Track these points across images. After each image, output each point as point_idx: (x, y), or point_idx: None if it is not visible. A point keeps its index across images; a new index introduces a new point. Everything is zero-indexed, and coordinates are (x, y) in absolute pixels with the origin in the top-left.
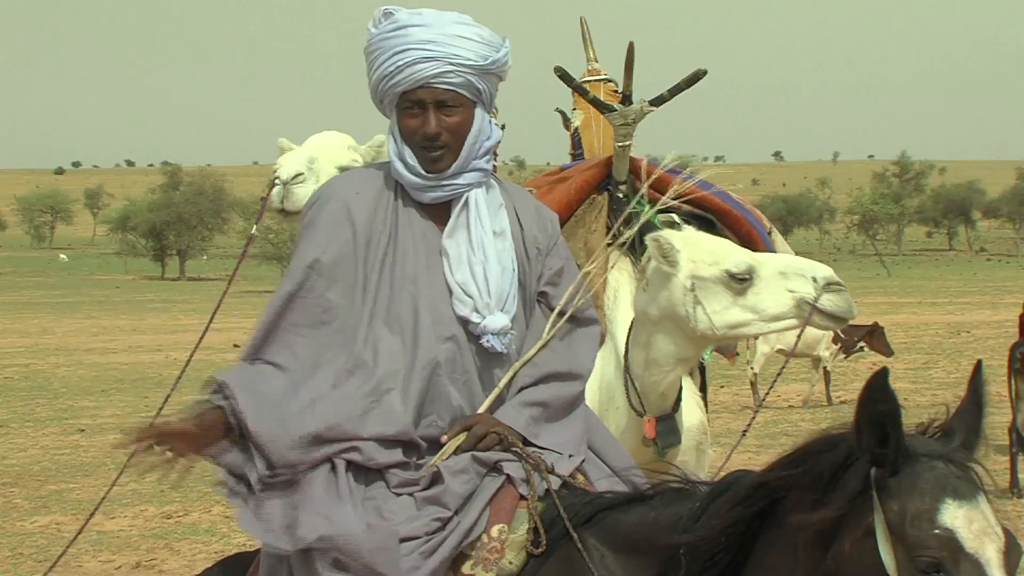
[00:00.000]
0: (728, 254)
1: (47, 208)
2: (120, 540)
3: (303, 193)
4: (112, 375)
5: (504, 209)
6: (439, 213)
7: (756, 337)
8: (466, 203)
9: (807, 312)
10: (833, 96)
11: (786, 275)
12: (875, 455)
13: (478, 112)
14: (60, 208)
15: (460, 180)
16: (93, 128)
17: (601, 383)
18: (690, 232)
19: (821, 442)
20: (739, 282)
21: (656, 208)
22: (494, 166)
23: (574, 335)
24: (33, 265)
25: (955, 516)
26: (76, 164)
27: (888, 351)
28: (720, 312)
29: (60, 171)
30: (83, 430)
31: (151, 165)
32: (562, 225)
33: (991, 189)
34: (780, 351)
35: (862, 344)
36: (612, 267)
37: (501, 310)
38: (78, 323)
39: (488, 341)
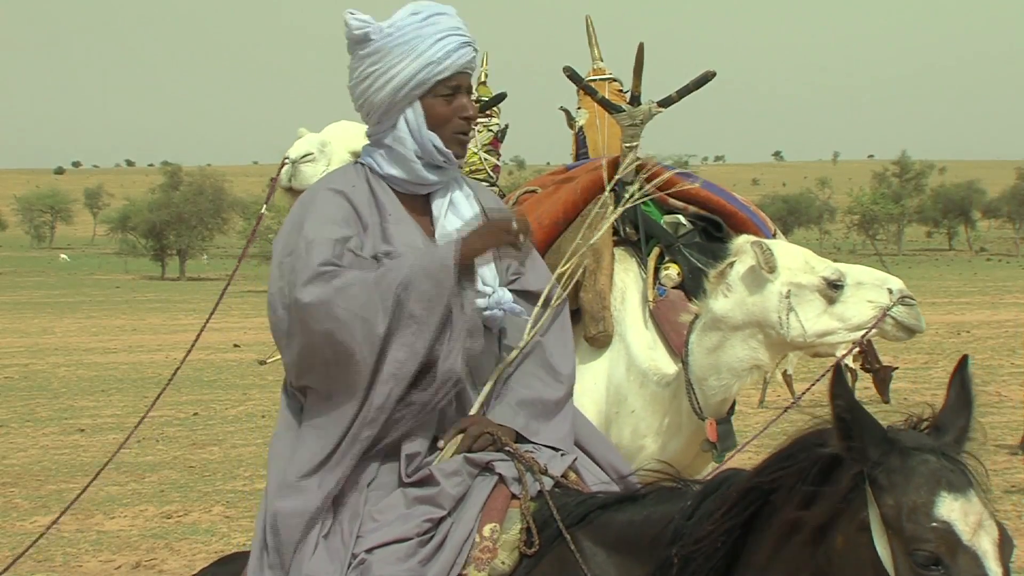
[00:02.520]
0: (819, 261)
1: (47, 208)
2: (120, 540)
3: (311, 172)
4: (112, 375)
5: (472, 199)
6: (417, 207)
7: (833, 349)
8: (448, 191)
9: (880, 320)
10: (833, 96)
11: (864, 284)
12: (851, 450)
13: None
14: (60, 208)
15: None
16: (93, 128)
17: (609, 384)
18: (771, 240)
19: (810, 438)
20: (834, 289)
21: (641, 192)
22: (496, 166)
23: (550, 328)
24: (33, 265)
25: (951, 509)
26: (76, 164)
27: (883, 397)
28: (812, 320)
29: (60, 171)
30: (83, 430)
31: (151, 165)
32: (568, 225)
33: (991, 189)
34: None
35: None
36: (591, 238)
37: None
38: (78, 323)
39: (509, 304)
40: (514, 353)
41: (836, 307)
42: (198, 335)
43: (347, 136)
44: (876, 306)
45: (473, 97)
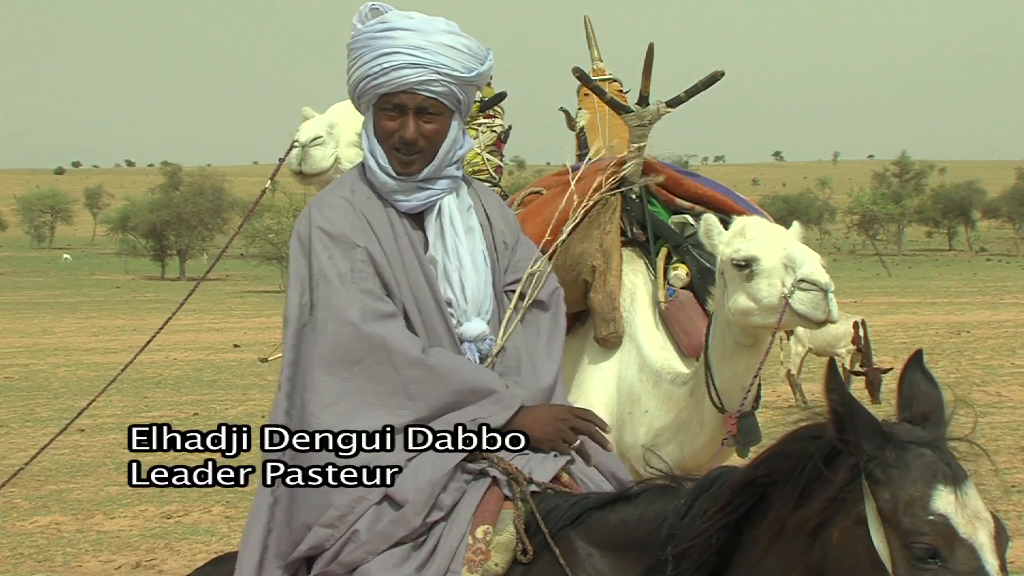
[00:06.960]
0: (747, 243)
1: (47, 208)
2: (120, 540)
3: (321, 155)
4: (112, 375)
5: (473, 210)
6: (415, 218)
7: (766, 329)
8: (439, 211)
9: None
10: (833, 96)
11: (787, 267)
12: (846, 443)
13: (455, 122)
14: (60, 208)
15: (435, 187)
16: (93, 128)
17: (620, 385)
18: (762, 223)
19: (805, 433)
20: (739, 269)
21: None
22: (499, 167)
23: (540, 320)
24: (33, 265)
25: (948, 502)
26: (76, 164)
27: (872, 398)
28: (734, 297)
29: (60, 171)
30: (83, 430)
31: (151, 165)
32: (576, 226)
33: (991, 189)
34: (811, 351)
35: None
36: (598, 237)
37: (477, 315)
38: (78, 323)
39: (467, 350)
40: (494, 347)
41: (751, 286)
42: (161, 326)
43: (354, 117)
44: (783, 290)
45: (476, 98)
